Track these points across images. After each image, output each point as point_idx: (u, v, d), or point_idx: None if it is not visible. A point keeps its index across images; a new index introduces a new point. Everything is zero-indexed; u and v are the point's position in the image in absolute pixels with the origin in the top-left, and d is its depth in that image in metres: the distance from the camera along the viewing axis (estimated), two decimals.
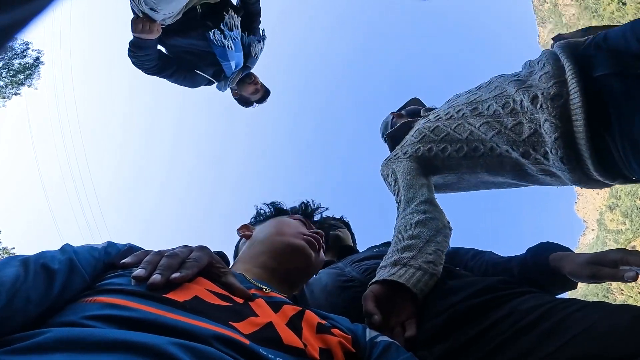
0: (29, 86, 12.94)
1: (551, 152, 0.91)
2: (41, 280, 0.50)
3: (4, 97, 12.73)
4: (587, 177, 0.94)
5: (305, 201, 1.05)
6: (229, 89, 2.21)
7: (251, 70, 2.15)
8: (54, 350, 0.38)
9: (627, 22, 0.93)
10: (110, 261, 0.62)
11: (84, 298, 0.51)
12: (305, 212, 1.03)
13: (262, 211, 1.03)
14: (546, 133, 0.91)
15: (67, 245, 0.59)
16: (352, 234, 1.54)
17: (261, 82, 2.26)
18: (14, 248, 13.08)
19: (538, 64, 1.00)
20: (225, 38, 1.75)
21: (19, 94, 12.96)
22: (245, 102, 2.31)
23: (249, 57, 2.00)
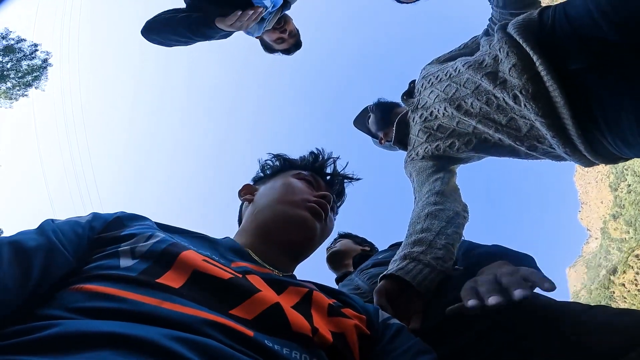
0: (36, 88, 13.04)
1: (556, 146, 0.90)
2: (16, 265, 0.44)
3: (11, 99, 12.82)
4: (594, 162, 0.92)
5: (315, 151, 0.94)
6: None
7: (287, 12, 1.68)
8: (50, 348, 0.35)
9: None
10: (96, 236, 0.55)
11: (71, 285, 0.45)
12: (314, 165, 0.92)
13: (267, 165, 0.93)
14: (542, 130, 0.89)
15: (46, 222, 0.53)
16: (355, 236, 1.57)
17: (294, 30, 1.78)
18: None
19: (500, 50, 0.94)
20: None
21: (26, 95, 13.07)
22: (267, 47, 1.85)
23: None
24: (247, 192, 0.88)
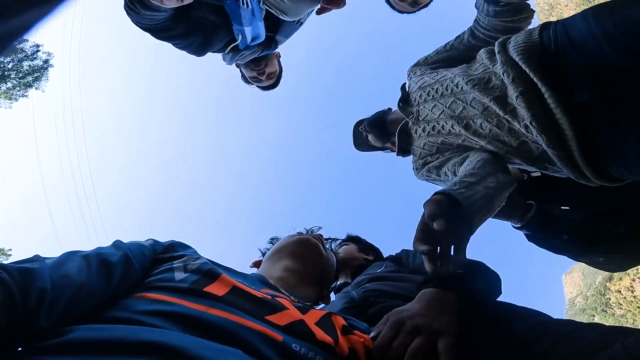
0: (36, 88, 12.99)
1: (566, 171, 0.93)
2: (103, 274, 0.54)
3: (10, 99, 12.78)
4: (597, 184, 0.94)
5: (299, 231, 1.09)
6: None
7: (273, 51, 1.61)
8: (75, 353, 0.40)
9: (587, 13, 0.86)
10: (155, 257, 0.67)
11: (134, 294, 0.55)
12: None
13: (265, 249, 1.08)
14: (553, 158, 0.91)
15: (118, 241, 0.64)
16: (362, 241, 1.55)
17: (275, 72, 1.75)
18: (10, 249, 12.70)
19: (504, 74, 0.94)
20: None
21: (26, 95, 13.01)
22: (244, 78, 1.81)
23: (283, 26, 1.46)
24: (257, 261, 1.05)
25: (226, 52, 1.44)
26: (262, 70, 1.68)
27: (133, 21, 1.16)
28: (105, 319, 0.49)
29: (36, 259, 0.51)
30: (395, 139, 1.41)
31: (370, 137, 1.51)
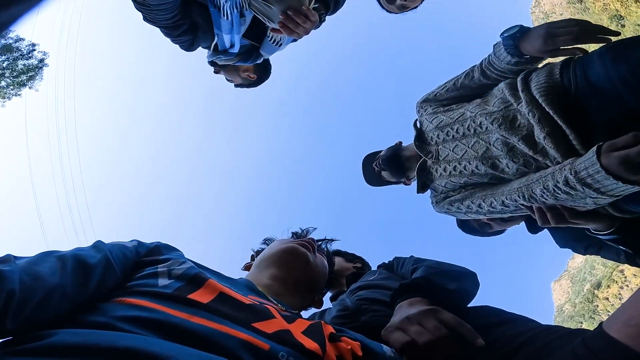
0: (30, 87, 12.81)
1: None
2: (78, 276, 0.51)
3: (4, 98, 12.61)
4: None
5: (293, 231, 1.09)
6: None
7: (250, 63, 1.65)
8: (53, 356, 0.39)
9: (604, 53, 0.87)
10: (138, 260, 0.64)
11: (114, 298, 0.52)
12: (298, 237, 1.05)
13: (258, 250, 1.07)
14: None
15: (99, 242, 0.61)
16: (345, 253, 1.58)
17: (238, 83, 1.84)
18: None
19: (529, 114, 0.95)
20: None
21: (19, 94, 12.83)
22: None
23: (264, 41, 1.49)
24: (248, 264, 1.04)
25: (211, 49, 1.51)
26: (217, 71, 1.77)
27: (146, 18, 1.23)
28: (84, 323, 0.47)
29: (7, 259, 0.49)
30: (410, 173, 1.41)
31: (384, 174, 1.51)
